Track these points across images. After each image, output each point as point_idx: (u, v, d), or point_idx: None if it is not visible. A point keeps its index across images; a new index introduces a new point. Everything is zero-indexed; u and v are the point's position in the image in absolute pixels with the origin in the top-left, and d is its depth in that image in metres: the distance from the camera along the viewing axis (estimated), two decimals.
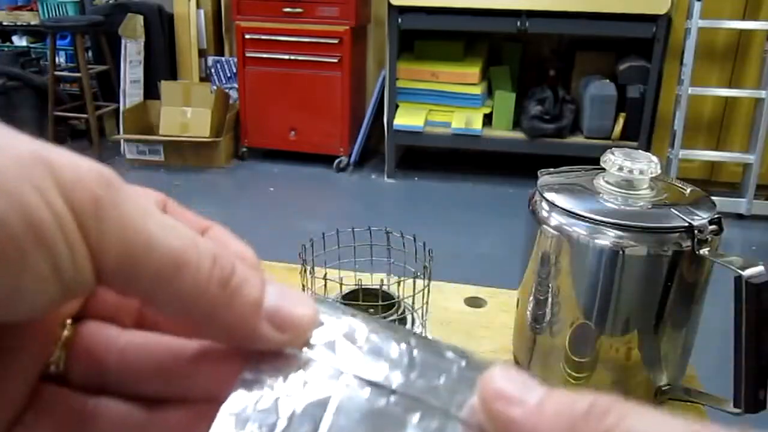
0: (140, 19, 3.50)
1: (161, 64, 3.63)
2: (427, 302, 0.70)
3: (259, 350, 0.19)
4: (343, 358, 0.19)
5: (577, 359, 0.66)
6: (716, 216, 0.62)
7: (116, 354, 0.21)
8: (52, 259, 0.16)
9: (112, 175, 0.17)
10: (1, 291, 0.16)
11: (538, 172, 0.71)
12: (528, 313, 0.70)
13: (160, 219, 0.18)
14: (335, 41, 3.14)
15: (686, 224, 0.60)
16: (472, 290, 0.89)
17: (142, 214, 0.17)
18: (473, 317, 0.83)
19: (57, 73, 3.49)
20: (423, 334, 0.23)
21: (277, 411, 0.18)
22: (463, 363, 0.19)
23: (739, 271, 0.56)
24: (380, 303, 0.69)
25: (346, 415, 0.18)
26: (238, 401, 0.18)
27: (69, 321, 0.21)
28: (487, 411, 0.17)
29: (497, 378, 0.17)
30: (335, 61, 3.17)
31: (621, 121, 2.96)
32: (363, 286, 0.70)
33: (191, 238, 0.18)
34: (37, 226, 0.16)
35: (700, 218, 0.60)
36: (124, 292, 0.18)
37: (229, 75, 3.61)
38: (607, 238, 0.61)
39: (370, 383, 0.19)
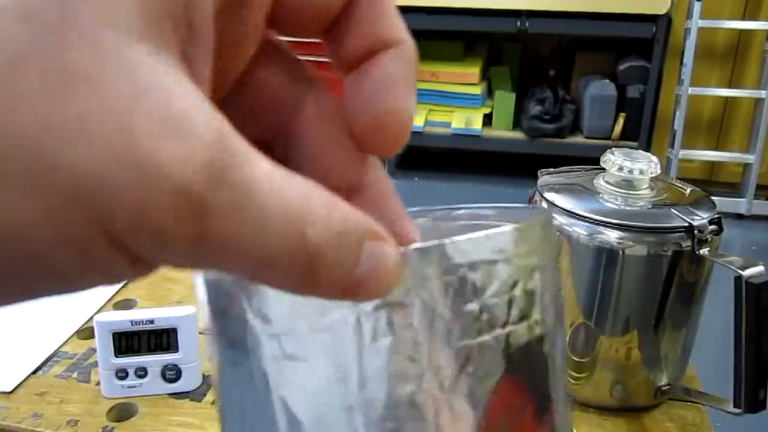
0: None
1: None
2: None
3: None
4: None
5: (577, 359, 0.66)
6: (716, 216, 0.62)
7: None
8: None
9: (208, 188, 0.13)
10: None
11: (538, 172, 0.71)
12: None
13: (261, 210, 0.14)
14: None
15: (686, 224, 0.60)
16: None
17: (240, 212, 0.13)
18: None
19: None
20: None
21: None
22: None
23: (739, 271, 0.56)
24: None
25: None
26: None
27: None
28: None
29: None
30: None
31: (621, 121, 2.96)
32: None
33: (295, 231, 0.14)
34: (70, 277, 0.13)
35: (700, 218, 0.61)
36: None
37: None
38: (607, 238, 0.61)
39: None
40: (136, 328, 0.65)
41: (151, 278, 0.79)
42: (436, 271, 0.18)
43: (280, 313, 0.18)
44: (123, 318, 0.65)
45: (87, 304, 0.83)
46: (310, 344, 0.18)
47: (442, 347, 0.18)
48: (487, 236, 0.19)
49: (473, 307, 0.18)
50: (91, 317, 0.78)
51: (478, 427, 0.18)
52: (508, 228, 0.19)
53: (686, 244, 0.60)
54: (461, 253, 0.18)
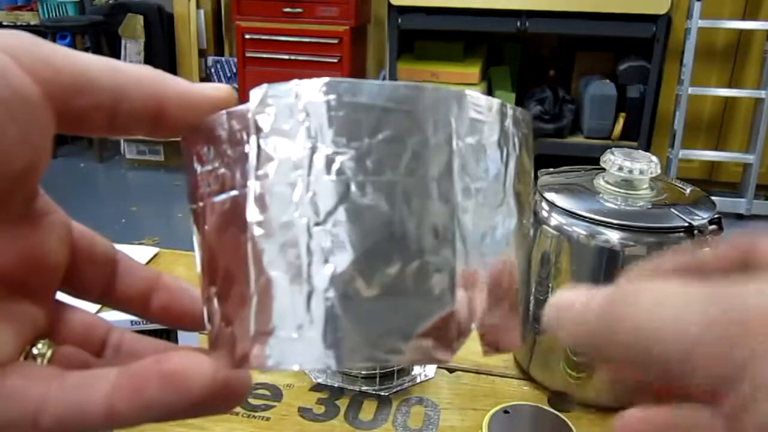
0: (140, 19, 3.50)
1: (161, 64, 3.63)
2: None
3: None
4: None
5: (577, 359, 0.66)
6: (716, 216, 0.62)
7: None
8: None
9: None
10: None
11: (538, 172, 0.71)
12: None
13: None
14: (335, 41, 3.14)
15: (686, 224, 0.60)
16: None
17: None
18: None
19: None
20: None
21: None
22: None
23: None
24: None
25: None
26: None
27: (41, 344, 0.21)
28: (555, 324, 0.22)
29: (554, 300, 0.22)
30: (335, 61, 3.17)
31: (621, 121, 2.96)
32: None
33: None
34: None
35: (700, 218, 0.60)
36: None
37: (229, 75, 3.61)
38: (607, 238, 0.61)
39: None
40: (136, 328, 0.65)
41: None
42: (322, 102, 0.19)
43: None
44: (123, 318, 0.65)
45: (87, 305, 0.83)
46: None
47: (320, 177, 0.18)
48: (383, 85, 0.19)
49: (357, 145, 0.18)
50: None
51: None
52: (412, 86, 0.19)
53: (686, 244, 0.60)
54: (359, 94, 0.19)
